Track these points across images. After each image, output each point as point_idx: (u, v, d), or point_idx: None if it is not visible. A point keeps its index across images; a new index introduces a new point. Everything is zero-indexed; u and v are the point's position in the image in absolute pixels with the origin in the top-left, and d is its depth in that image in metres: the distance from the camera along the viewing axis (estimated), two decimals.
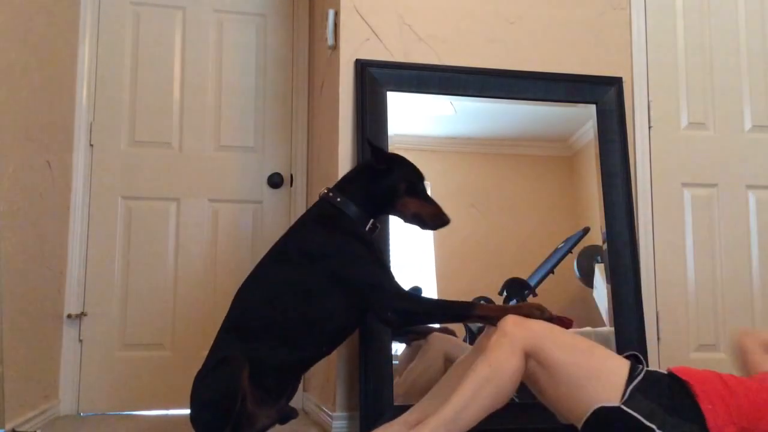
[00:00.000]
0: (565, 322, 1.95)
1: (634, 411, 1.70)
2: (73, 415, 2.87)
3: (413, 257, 2.75)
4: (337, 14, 2.65)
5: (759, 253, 2.86)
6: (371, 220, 2.10)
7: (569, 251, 2.72)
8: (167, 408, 2.90)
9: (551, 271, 2.69)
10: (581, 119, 2.80)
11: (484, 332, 2.03)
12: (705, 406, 1.70)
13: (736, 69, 2.97)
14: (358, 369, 2.38)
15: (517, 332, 1.78)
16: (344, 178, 2.20)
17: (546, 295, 2.62)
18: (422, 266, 2.76)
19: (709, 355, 2.78)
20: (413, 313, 2.00)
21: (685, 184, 2.88)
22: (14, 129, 2.31)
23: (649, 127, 2.86)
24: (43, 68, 2.58)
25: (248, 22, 3.26)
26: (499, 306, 2.06)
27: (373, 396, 2.31)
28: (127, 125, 3.08)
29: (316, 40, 3.11)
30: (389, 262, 2.40)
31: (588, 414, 1.72)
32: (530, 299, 2.62)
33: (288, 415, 2.09)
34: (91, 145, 3.02)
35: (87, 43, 3.03)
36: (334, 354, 2.45)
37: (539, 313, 1.89)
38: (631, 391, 1.72)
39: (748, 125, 2.96)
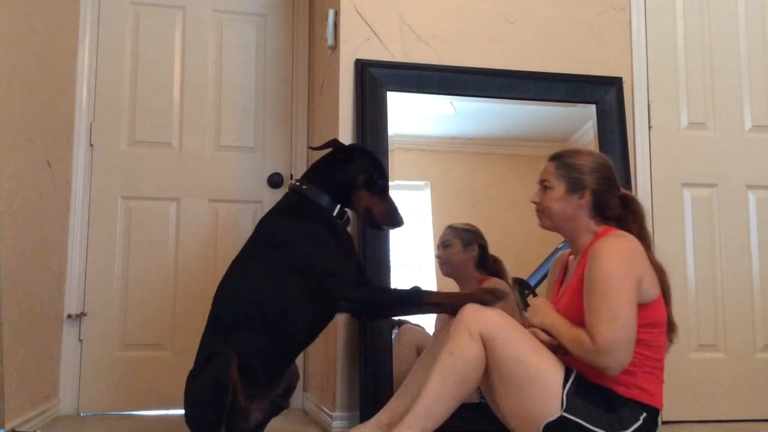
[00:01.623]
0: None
1: (576, 417, 1.72)
2: (73, 415, 2.87)
3: (413, 257, 2.75)
4: (337, 14, 2.65)
5: (759, 253, 2.86)
6: (338, 206, 2.09)
7: None
8: (167, 408, 2.90)
9: None
10: (581, 119, 2.80)
11: (440, 325, 2.03)
12: (614, 387, 1.76)
13: (736, 69, 2.97)
14: (358, 369, 2.38)
15: (474, 318, 1.80)
16: (311, 167, 2.21)
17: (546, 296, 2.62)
18: (422, 266, 2.76)
19: (709, 354, 2.78)
20: (365, 303, 1.99)
21: (685, 184, 2.88)
22: (14, 129, 2.31)
23: (649, 127, 2.86)
24: (43, 68, 2.58)
25: (248, 22, 3.26)
26: (450, 293, 2.06)
27: (373, 396, 2.31)
28: (127, 125, 3.08)
29: (316, 40, 3.11)
30: (391, 253, 2.40)
31: None
32: (530, 299, 2.62)
33: (279, 405, 2.09)
34: (91, 145, 3.02)
35: (87, 43, 3.03)
36: (335, 354, 2.46)
37: (492, 299, 1.88)
38: (568, 396, 1.74)
39: (748, 125, 2.95)
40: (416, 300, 2.03)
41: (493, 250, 2.65)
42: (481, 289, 1.97)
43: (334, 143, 2.13)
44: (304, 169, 3.15)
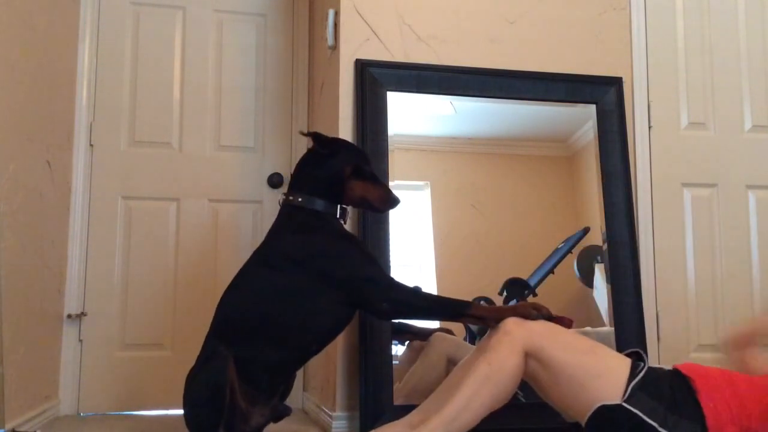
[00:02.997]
0: (565, 322, 1.95)
1: (636, 408, 1.70)
2: (73, 415, 2.87)
3: (413, 257, 2.75)
4: (337, 14, 2.65)
5: (759, 253, 2.86)
6: (337, 207, 2.09)
7: (569, 251, 2.72)
8: (167, 408, 2.90)
9: (551, 271, 2.69)
10: (581, 119, 2.80)
11: (486, 333, 2.03)
12: (705, 404, 1.71)
13: (736, 69, 2.97)
14: (358, 369, 2.38)
15: (517, 332, 1.80)
16: (295, 175, 2.16)
17: (546, 295, 2.62)
18: (422, 266, 2.76)
19: (709, 355, 2.77)
20: (408, 305, 2.00)
21: (685, 184, 2.88)
22: (14, 129, 2.31)
23: (649, 127, 2.86)
24: (43, 68, 2.58)
25: (248, 22, 3.26)
26: (494, 307, 2.06)
27: (373, 396, 2.31)
28: (127, 125, 3.08)
29: (316, 40, 3.11)
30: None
31: (590, 412, 1.72)
32: (530, 299, 2.62)
33: (281, 412, 2.09)
34: (91, 145, 3.02)
35: (87, 43, 3.03)
36: (335, 354, 2.46)
37: (536, 313, 1.89)
38: (633, 389, 1.72)
39: (748, 125, 2.96)
40: (460, 311, 2.00)
41: (493, 250, 2.66)
42: (524, 304, 1.97)
43: (316, 135, 2.10)
44: None
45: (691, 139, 2.91)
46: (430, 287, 2.66)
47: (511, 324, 1.82)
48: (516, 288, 2.64)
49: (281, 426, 2.26)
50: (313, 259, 1.99)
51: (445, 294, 2.12)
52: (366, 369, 2.34)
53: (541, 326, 1.83)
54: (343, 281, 1.97)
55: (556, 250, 2.72)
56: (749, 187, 2.91)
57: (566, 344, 1.80)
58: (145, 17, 3.15)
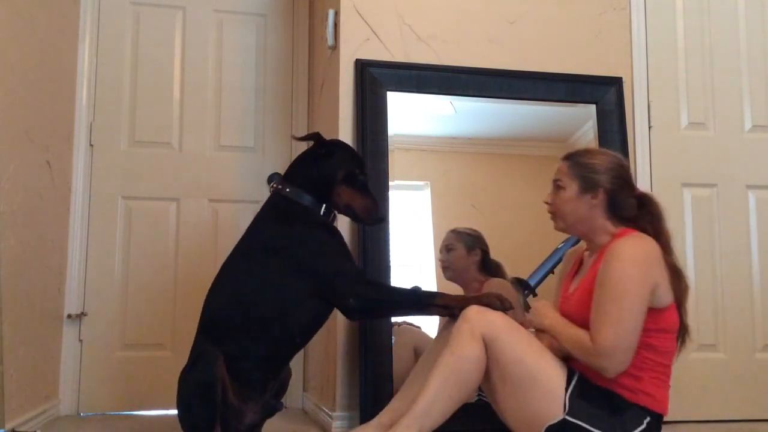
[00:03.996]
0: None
1: (579, 420, 1.71)
2: (73, 415, 2.87)
3: (413, 257, 2.75)
4: (337, 14, 2.65)
5: (759, 253, 2.86)
6: (324, 205, 2.09)
7: None
8: (167, 408, 2.90)
9: (551, 271, 2.69)
10: (581, 119, 2.80)
11: (444, 324, 2.03)
12: (614, 388, 1.75)
13: (736, 69, 2.97)
14: (358, 369, 2.38)
15: (477, 319, 1.80)
16: (290, 167, 2.19)
17: (546, 295, 2.61)
18: (422, 266, 2.76)
19: (709, 355, 2.78)
20: (375, 300, 1.99)
21: (685, 184, 2.87)
22: (14, 129, 2.31)
23: (649, 127, 2.86)
24: (43, 68, 2.58)
25: (248, 22, 3.26)
26: (460, 296, 2.06)
27: (373, 396, 2.31)
28: (127, 125, 3.08)
29: (316, 40, 3.12)
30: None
31: None
32: (530, 299, 2.62)
33: (274, 407, 2.09)
34: (91, 145, 3.02)
35: (87, 43, 3.03)
36: (335, 354, 2.46)
37: (498, 304, 1.88)
38: (570, 399, 1.74)
39: (748, 125, 2.95)
40: (426, 301, 2.02)
41: (493, 250, 2.65)
42: (489, 294, 1.97)
43: (317, 137, 2.11)
44: None
45: (691, 139, 2.91)
46: (430, 287, 2.66)
47: (472, 312, 1.82)
48: (516, 287, 2.64)
49: (281, 426, 2.26)
50: (289, 249, 1.99)
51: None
52: (366, 369, 2.34)
53: (500, 319, 1.82)
54: (314, 272, 1.96)
55: (556, 250, 2.72)
56: (749, 187, 2.91)
57: (519, 341, 1.80)
58: (145, 17, 3.15)
